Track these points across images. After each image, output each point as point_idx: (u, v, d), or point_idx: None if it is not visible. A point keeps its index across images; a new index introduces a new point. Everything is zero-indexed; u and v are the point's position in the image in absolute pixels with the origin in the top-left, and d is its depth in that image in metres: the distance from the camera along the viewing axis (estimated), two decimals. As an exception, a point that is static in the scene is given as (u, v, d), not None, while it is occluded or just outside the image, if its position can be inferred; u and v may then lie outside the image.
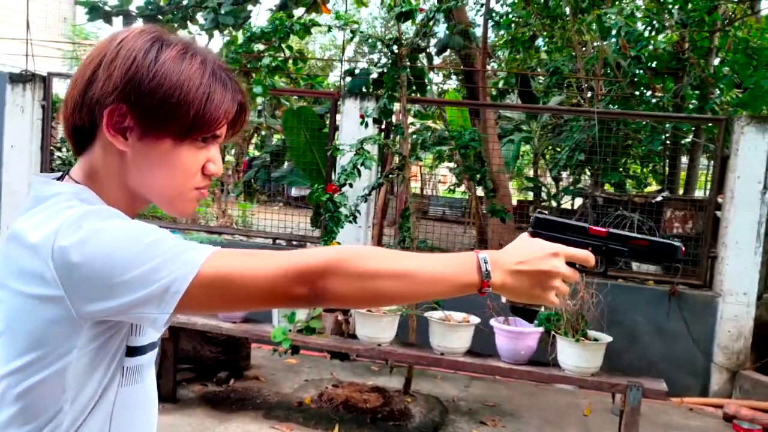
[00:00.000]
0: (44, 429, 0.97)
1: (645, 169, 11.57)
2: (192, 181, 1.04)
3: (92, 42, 16.00)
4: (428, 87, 12.69)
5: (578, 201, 10.08)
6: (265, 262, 0.94)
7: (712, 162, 7.18)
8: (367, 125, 4.37)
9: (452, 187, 16.00)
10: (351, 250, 0.98)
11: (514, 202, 13.65)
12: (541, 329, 3.69)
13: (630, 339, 5.03)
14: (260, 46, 8.98)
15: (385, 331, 3.79)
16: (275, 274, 0.93)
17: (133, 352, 1.03)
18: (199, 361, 4.55)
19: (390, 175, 4.36)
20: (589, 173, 9.35)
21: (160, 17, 8.41)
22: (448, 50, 7.26)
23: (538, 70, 10.90)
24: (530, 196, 12.95)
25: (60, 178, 1.06)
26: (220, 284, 0.92)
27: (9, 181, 5.83)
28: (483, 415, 4.38)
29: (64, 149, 7.38)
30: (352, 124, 5.00)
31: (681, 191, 8.87)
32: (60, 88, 6.22)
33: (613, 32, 3.47)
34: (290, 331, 3.81)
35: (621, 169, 10.21)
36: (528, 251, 1.04)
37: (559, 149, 10.97)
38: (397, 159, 4.51)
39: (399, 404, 4.23)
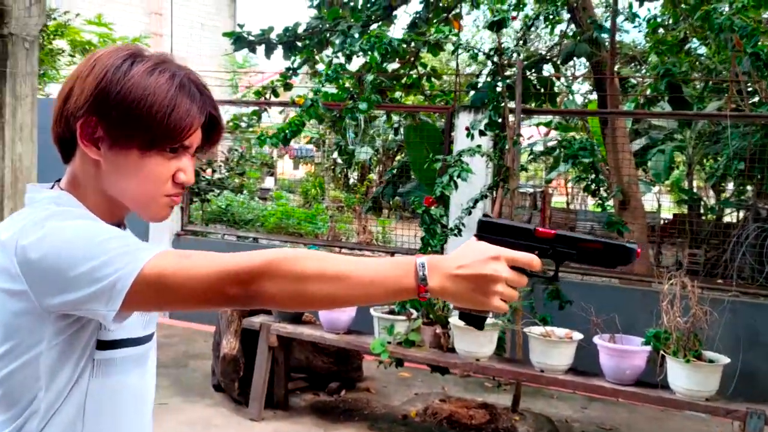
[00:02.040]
0: (23, 413, 1.07)
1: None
2: (162, 189, 1.11)
3: (248, 71, 17.15)
4: (571, 97, 12.32)
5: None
6: (203, 263, 0.99)
7: None
8: (473, 137, 4.34)
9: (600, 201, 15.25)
10: (287, 252, 1.00)
11: (670, 215, 12.82)
12: (648, 348, 3.45)
13: (771, 363, 4.54)
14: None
15: (483, 345, 3.72)
16: (211, 274, 0.97)
17: (105, 345, 1.10)
18: (311, 371, 4.70)
19: (493, 188, 4.28)
20: (752, 184, 8.61)
21: (298, 43, 8.89)
22: (577, 58, 7.00)
23: (694, 74, 10.20)
24: (687, 208, 12.11)
25: (52, 187, 1.16)
26: (159, 283, 0.97)
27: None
28: (597, 439, 4.15)
29: (209, 170, 7.96)
30: (466, 138, 4.98)
31: None
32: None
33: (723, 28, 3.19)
34: (389, 343, 3.84)
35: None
36: (469, 255, 1.01)
37: (717, 158, 10.21)
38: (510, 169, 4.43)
39: (505, 422, 4.12)
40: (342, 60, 6.93)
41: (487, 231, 1.05)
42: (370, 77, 4.14)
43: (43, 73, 9.89)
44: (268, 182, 15.92)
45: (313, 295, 0.99)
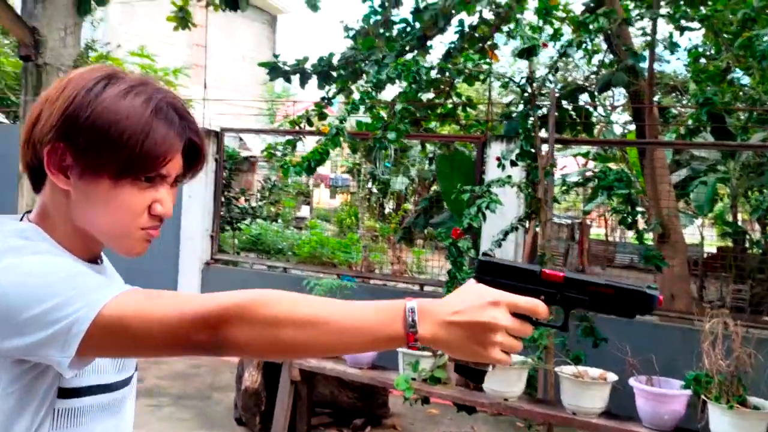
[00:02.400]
0: None
1: None
2: (137, 222, 1.02)
3: (286, 100, 17.32)
4: (609, 128, 12.10)
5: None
6: (167, 304, 0.90)
7: None
8: (503, 167, 4.22)
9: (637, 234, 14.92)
10: (259, 294, 0.90)
11: (713, 249, 12.43)
12: (688, 392, 3.25)
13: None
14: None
15: (512, 384, 3.56)
16: (174, 318, 0.88)
17: (68, 393, 1.00)
18: (336, 406, 4.58)
19: (524, 220, 4.14)
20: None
21: (332, 73, 8.92)
22: (614, 87, 6.85)
23: (737, 104, 9.93)
24: (731, 242, 11.73)
25: (21, 218, 1.07)
26: (119, 327, 0.88)
27: (186, 227, 6.39)
28: (634, 486, 3.92)
29: (242, 199, 7.98)
30: (497, 168, 4.86)
31: None
32: (229, 142, 6.77)
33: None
34: (414, 379, 3.70)
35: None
36: (465, 299, 0.90)
37: (763, 191, 9.90)
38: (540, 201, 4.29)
39: (536, 466, 3.92)
40: (373, 90, 6.88)
41: (488, 272, 0.94)
42: (399, 106, 4.06)
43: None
44: (304, 211, 15.96)
45: (285, 343, 0.88)
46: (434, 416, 4.87)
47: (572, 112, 7.00)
